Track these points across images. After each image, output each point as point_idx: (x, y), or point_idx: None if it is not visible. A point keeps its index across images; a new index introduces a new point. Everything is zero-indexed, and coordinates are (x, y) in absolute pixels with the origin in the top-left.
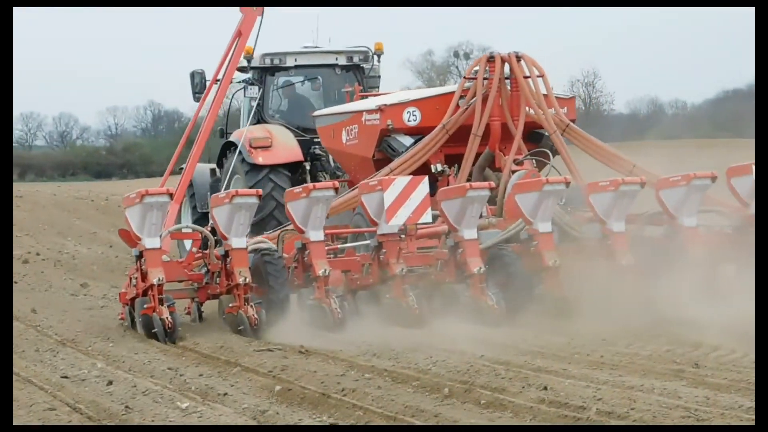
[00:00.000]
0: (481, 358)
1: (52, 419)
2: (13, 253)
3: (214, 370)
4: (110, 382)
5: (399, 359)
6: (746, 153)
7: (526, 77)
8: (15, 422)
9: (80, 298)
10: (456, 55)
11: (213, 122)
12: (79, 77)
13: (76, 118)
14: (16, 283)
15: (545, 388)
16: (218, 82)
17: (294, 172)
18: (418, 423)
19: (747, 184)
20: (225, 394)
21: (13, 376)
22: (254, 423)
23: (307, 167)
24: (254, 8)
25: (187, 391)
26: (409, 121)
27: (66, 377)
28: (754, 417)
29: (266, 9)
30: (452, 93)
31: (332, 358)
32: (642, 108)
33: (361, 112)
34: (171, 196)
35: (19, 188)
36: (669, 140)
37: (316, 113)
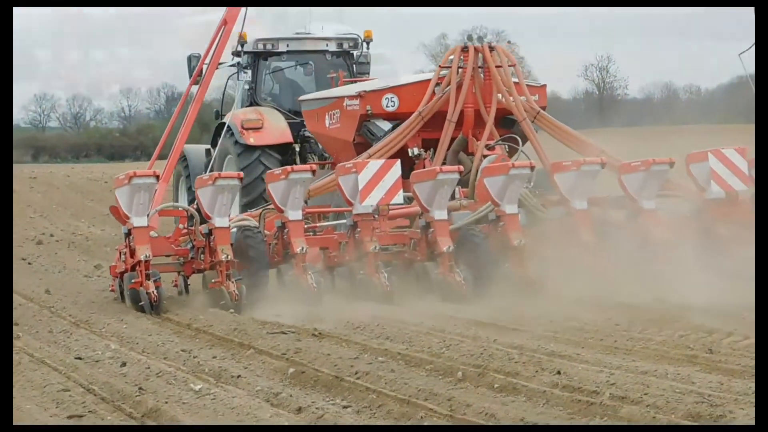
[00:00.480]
0: (495, 342)
1: (66, 400)
2: (27, 234)
3: (227, 352)
4: (124, 364)
5: (413, 343)
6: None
7: (498, 66)
8: (28, 403)
9: (94, 279)
10: (470, 38)
11: (200, 105)
12: (90, 61)
13: (89, 99)
14: (30, 264)
15: (558, 373)
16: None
17: (284, 153)
18: (431, 406)
19: (704, 169)
20: (238, 376)
21: (27, 357)
22: (268, 405)
23: (297, 149)
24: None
25: (201, 373)
26: (387, 106)
27: (80, 358)
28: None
29: None
30: (429, 80)
31: (346, 341)
32: (656, 93)
33: (342, 97)
34: (157, 177)
35: (33, 170)
36: (682, 126)
37: (302, 98)
